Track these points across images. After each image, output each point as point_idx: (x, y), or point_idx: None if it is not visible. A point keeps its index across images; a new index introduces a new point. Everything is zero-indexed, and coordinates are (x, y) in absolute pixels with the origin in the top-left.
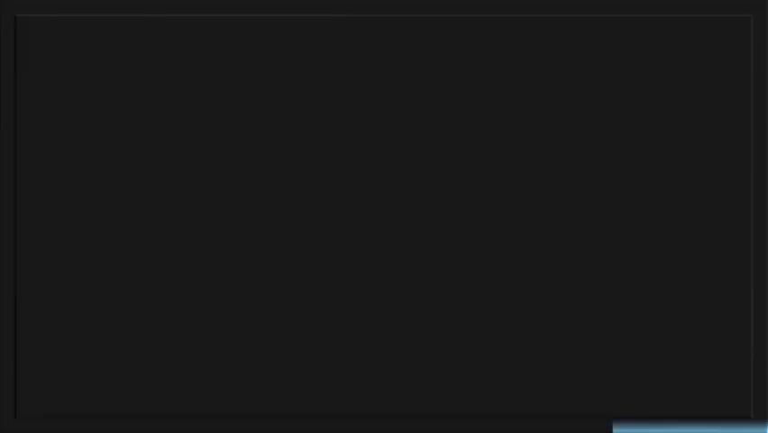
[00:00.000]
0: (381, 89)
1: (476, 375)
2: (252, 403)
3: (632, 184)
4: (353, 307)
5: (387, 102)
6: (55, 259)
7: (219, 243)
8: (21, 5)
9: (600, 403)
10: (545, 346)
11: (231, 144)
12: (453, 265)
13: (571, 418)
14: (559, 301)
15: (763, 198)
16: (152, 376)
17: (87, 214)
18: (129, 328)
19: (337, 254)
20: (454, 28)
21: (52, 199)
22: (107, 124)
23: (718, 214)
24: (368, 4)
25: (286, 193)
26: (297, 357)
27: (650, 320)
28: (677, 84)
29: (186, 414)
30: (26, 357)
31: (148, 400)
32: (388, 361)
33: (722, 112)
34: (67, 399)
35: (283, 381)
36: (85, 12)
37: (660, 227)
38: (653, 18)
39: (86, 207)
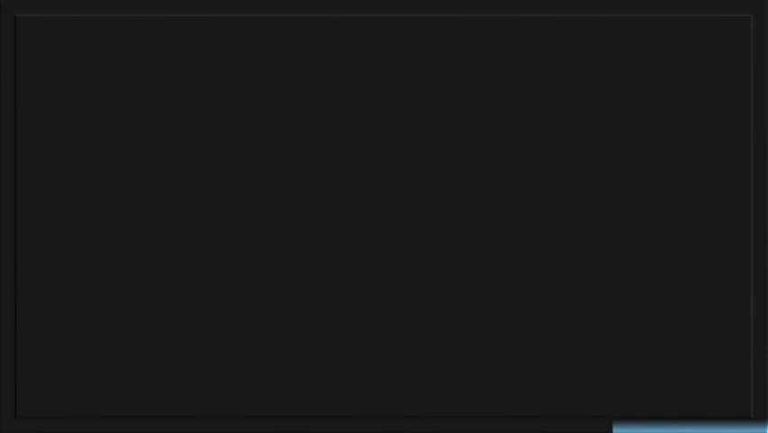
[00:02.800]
0: (381, 89)
1: (476, 375)
2: (252, 403)
3: (631, 184)
4: (353, 307)
5: (386, 102)
6: (55, 259)
7: (219, 243)
8: (21, 5)
9: (601, 403)
10: (546, 347)
11: (230, 145)
12: (453, 266)
13: (572, 418)
14: (559, 302)
15: (763, 198)
16: (152, 376)
17: (87, 214)
18: (129, 329)
19: (336, 255)
20: (454, 28)
21: (52, 199)
22: (107, 124)
23: (718, 214)
24: (368, 4)
25: (286, 193)
26: (297, 357)
27: (650, 321)
28: (677, 84)
29: (186, 414)
30: (26, 357)
31: (148, 401)
32: (387, 361)
33: (722, 112)
34: (67, 399)
35: (283, 381)
36: (85, 12)
37: (660, 228)
38: (654, 18)
39: (86, 208)
